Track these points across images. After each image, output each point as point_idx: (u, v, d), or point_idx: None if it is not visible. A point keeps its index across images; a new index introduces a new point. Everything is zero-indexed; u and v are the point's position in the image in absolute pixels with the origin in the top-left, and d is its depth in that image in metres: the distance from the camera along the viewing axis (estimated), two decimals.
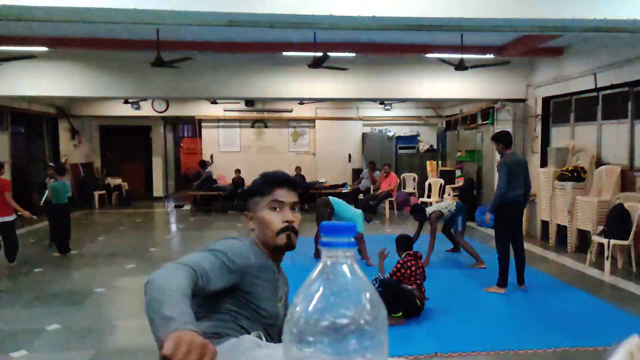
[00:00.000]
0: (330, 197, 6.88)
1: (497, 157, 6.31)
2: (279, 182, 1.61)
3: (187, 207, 13.31)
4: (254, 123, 14.40)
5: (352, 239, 0.68)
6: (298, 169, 13.23)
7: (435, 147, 14.36)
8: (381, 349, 0.65)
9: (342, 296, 0.66)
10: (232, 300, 1.47)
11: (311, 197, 12.63)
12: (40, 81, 9.13)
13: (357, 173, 13.72)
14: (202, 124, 14.42)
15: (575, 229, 7.49)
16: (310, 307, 0.64)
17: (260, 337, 1.44)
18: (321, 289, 0.66)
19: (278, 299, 1.58)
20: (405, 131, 14.44)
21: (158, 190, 15.54)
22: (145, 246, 8.44)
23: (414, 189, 13.07)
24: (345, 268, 0.67)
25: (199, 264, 1.33)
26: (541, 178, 8.30)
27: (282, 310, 1.58)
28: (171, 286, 1.18)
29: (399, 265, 4.78)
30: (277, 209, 1.57)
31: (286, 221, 1.56)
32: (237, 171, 13.03)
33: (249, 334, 1.45)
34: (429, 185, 12.29)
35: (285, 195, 1.59)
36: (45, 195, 7.52)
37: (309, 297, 0.65)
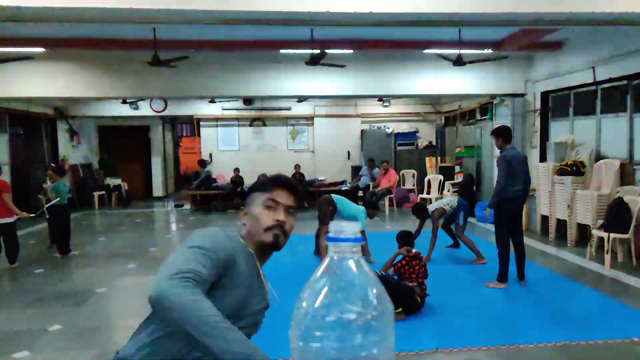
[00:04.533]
0: (333, 195, 6.88)
1: (497, 152, 6.32)
2: (280, 184, 1.62)
3: (186, 206, 13.31)
4: (252, 122, 14.39)
5: (359, 234, 0.68)
6: (297, 167, 13.22)
7: (434, 143, 14.36)
8: (387, 344, 0.65)
9: (349, 291, 0.66)
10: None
11: (311, 195, 12.65)
12: (38, 82, 9.12)
13: (356, 170, 13.72)
14: (201, 123, 14.41)
15: (575, 223, 7.49)
16: (317, 303, 0.65)
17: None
18: (328, 284, 0.65)
19: (252, 295, 1.51)
20: (403, 128, 14.44)
21: (157, 190, 15.53)
22: (146, 246, 8.44)
23: (414, 185, 13.07)
24: (351, 263, 0.66)
25: (199, 273, 1.29)
26: (540, 173, 8.30)
27: (256, 305, 1.53)
28: (213, 316, 1.20)
29: (404, 262, 4.80)
30: (272, 207, 1.57)
31: (277, 220, 1.56)
32: (236, 170, 13.02)
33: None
34: (429, 181, 12.29)
35: (283, 196, 1.59)
36: (49, 198, 7.44)
37: (316, 292, 0.65)
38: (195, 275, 1.27)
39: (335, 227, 0.69)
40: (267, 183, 1.62)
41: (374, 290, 0.66)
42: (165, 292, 1.21)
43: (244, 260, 1.49)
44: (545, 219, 8.36)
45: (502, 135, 5.53)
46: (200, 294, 1.24)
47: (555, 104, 9.18)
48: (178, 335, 1.26)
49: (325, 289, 0.65)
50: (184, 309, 1.19)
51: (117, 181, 14.23)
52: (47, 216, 7.52)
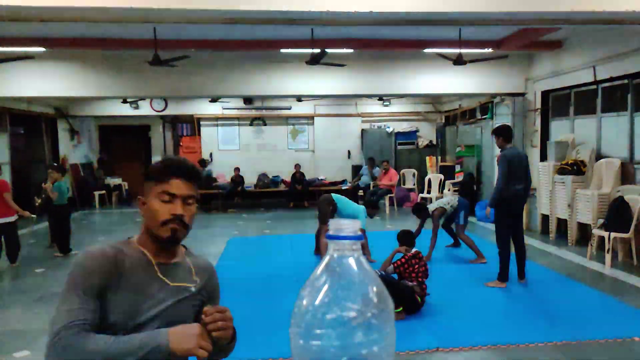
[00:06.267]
0: (333, 194, 6.89)
1: (497, 151, 6.32)
2: (176, 172, 1.46)
3: None
4: (252, 121, 14.39)
5: (359, 231, 0.67)
6: (297, 166, 13.22)
7: (434, 142, 14.35)
8: (388, 342, 0.65)
9: (349, 289, 0.66)
10: None
11: (311, 195, 12.65)
12: (39, 82, 9.12)
13: (356, 170, 13.72)
14: (201, 123, 14.41)
15: (575, 223, 7.49)
16: (317, 301, 0.65)
17: None
18: (328, 282, 0.65)
19: (146, 297, 1.41)
20: (404, 127, 14.43)
21: None
22: None
23: (414, 184, 13.07)
24: (351, 261, 0.66)
25: (80, 322, 1.28)
26: (541, 172, 8.30)
27: (157, 305, 1.42)
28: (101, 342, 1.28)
29: (403, 260, 4.80)
30: (168, 201, 1.44)
31: (173, 214, 1.43)
32: (237, 169, 13.02)
33: None
34: (429, 180, 12.29)
35: (179, 187, 1.45)
36: (51, 197, 7.41)
37: (316, 290, 0.65)
38: (75, 326, 1.27)
39: (335, 225, 0.69)
40: (160, 171, 1.47)
41: (374, 288, 0.66)
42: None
43: (131, 269, 1.41)
44: (545, 218, 8.36)
45: (503, 134, 5.53)
46: (84, 338, 1.26)
47: (556, 103, 9.18)
48: None
49: (326, 287, 0.65)
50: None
51: (118, 180, 14.24)
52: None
